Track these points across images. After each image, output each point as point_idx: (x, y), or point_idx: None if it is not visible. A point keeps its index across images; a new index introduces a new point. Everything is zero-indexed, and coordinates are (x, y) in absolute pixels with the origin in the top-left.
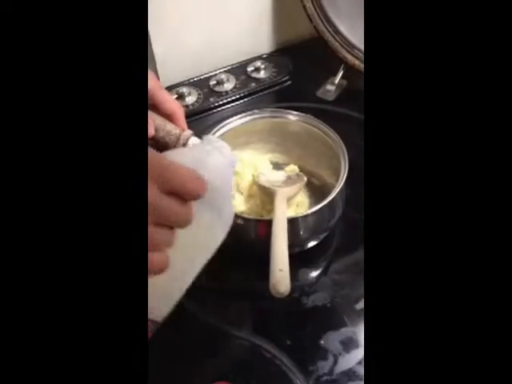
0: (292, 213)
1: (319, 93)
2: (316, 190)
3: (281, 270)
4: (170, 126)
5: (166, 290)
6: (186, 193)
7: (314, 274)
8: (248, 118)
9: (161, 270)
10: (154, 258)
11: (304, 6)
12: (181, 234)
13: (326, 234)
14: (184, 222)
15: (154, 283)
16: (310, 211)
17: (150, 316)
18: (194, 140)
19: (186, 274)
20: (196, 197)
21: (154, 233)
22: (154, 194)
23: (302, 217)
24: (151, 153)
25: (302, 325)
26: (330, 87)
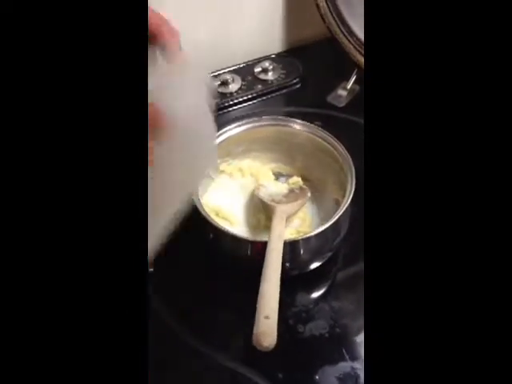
0: (293, 230)
1: (330, 98)
2: (320, 205)
3: (266, 318)
4: None
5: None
6: None
7: (313, 298)
8: (249, 125)
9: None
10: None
11: (317, 5)
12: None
13: (329, 255)
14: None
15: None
16: (312, 233)
17: None
18: None
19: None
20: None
21: None
22: None
23: (303, 239)
24: None
25: (295, 356)
26: (341, 92)
